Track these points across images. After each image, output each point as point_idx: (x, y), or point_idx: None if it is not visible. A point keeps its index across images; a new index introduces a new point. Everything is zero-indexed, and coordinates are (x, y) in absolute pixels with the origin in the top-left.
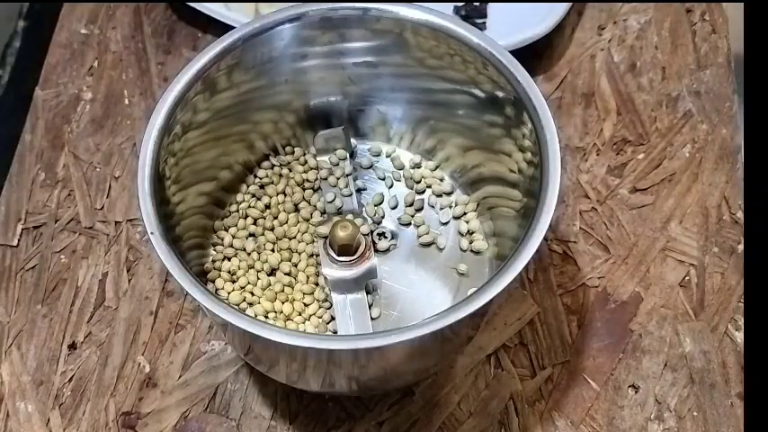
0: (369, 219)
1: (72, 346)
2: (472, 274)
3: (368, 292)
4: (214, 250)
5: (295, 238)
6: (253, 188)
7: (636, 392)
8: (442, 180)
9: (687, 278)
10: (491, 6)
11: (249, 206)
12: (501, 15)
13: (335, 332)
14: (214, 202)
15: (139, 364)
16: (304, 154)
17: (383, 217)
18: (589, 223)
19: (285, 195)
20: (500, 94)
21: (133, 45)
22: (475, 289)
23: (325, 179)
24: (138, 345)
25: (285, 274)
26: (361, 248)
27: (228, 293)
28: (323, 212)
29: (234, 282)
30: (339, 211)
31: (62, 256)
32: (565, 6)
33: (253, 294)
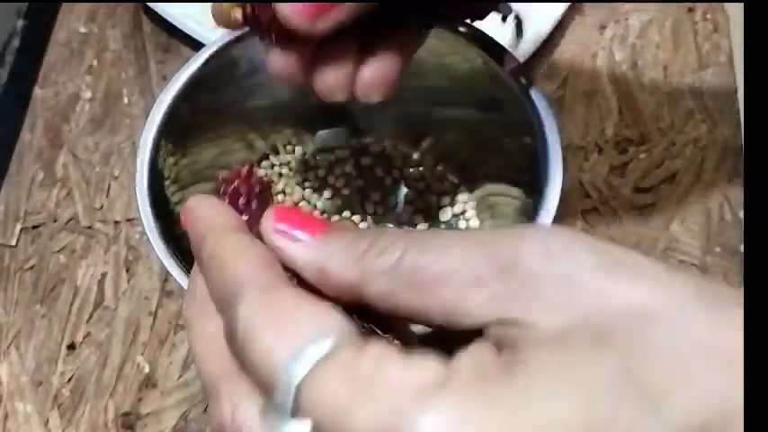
0: (369, 218)
1: (71, 347)
2: None
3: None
4: None
5: None
6: None
7: None
8: (442, 179)
9: None
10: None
11: None
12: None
13: None
14: None
15: (139, 364)
16: (304, 154)
17: (384, 216)
18: (591, 223)
19: (285, 195)
20: (501, 92)
21: (132, 43)
22: None
23: (325, 178)
24: (137, 345)
25: None
26: None
27: None
28: (323, 212)
29: None
30: (339, 211)
31: (61, 256)
32: (563, 6)
33: None
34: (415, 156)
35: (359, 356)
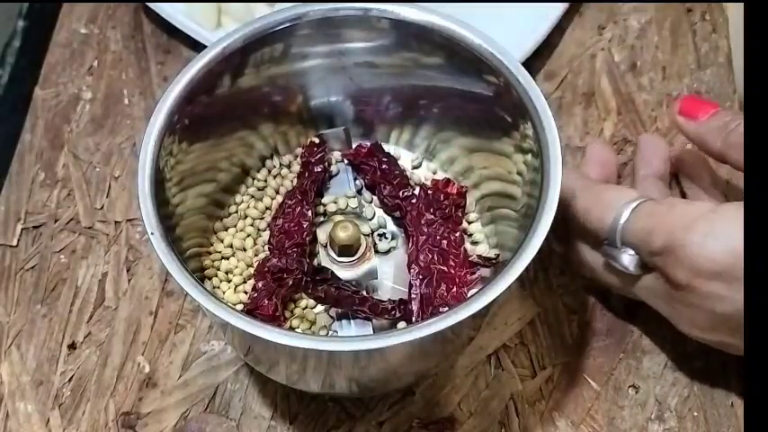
0: (369, 219)
1: (72, 346)
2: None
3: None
4: (214, 250)
5: None
6: (252, 189)
7: (636, 392)
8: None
9: None
10: (491, 7)
11: (249, 207)
12: (501, 17)
13: (336, 333)
14: (214, 202)
15: (139, 364)
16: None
17: (384, 218)
18: None
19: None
20: (500, 94)
21: (133, 44)
22: (476, 290)
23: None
24: (137, 345)
25: None
26: (362, 249)
27: (224, 292)
28: (323, 213)
29: (231, 281)
30: (339, 212)
31: (62, 256)
32: (561, 7)
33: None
34: (416, 158)
35: (656, 204)
